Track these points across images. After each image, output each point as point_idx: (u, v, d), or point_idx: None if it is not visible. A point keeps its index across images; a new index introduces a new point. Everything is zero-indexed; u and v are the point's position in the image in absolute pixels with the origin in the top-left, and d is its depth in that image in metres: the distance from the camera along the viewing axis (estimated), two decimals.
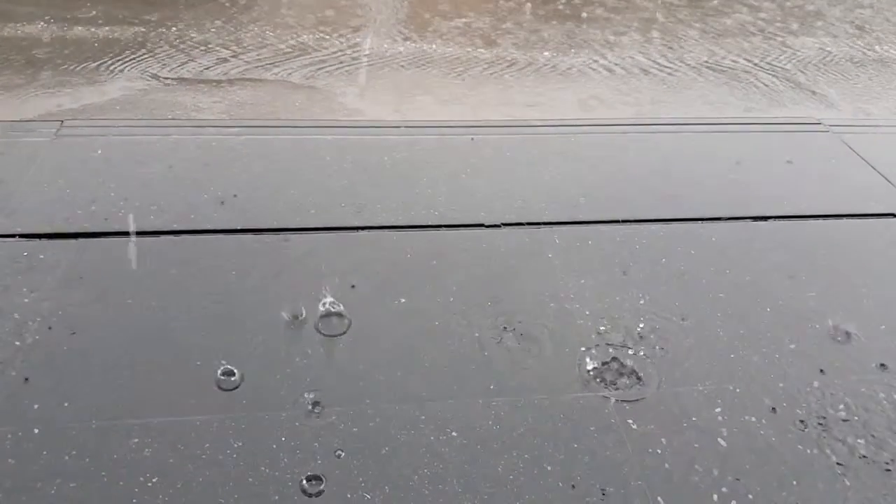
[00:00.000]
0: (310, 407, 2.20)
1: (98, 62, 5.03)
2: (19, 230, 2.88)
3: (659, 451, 2.14)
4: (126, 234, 2.90)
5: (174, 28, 5.68)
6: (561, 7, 6.69)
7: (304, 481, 1.98)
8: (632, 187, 3.45)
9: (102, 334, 2.40)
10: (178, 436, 2.08)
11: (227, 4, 6.27)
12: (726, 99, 5.13)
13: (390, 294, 2.68)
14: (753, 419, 2.26)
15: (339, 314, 2.54)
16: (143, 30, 5.61)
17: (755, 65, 5.71)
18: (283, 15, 6.14)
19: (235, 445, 2.07)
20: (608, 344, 2.52)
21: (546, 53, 5.66)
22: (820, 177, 3.66)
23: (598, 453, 2.12)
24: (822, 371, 2.46)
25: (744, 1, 7.11)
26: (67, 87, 4.68)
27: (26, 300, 2.53)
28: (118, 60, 5.08)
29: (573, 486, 2.02)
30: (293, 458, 2.04)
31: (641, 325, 2.60)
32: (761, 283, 2.86)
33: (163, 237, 2.90)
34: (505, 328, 2.56)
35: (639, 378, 2.39)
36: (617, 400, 2.30)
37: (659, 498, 2.01)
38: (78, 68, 4.93)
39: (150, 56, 5.18)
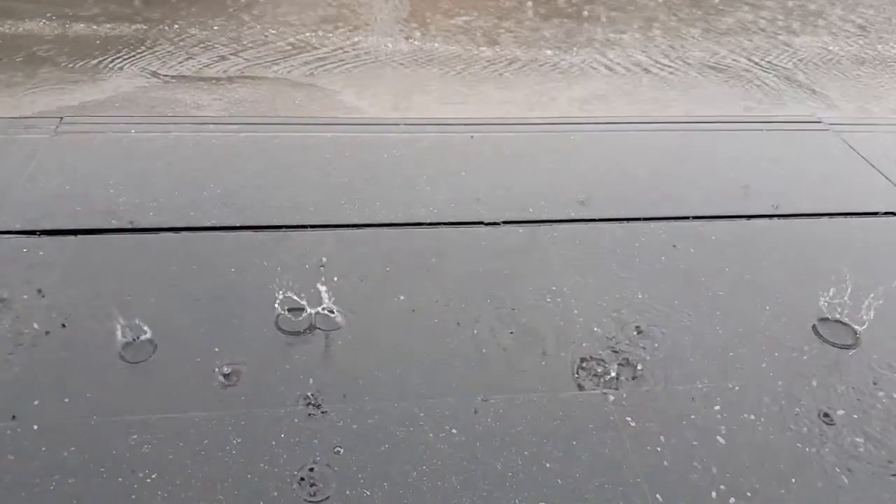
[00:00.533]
0: (309, 404, 2.20)
1: (98, 59, 5.03)
2: (18, 226, 2.88)
3: (658, 449, 2.14)
4: (125, 230, 2.90)
5: (175, 25, 5.67)
6: (562, 5, 6.68)
7: (303, 478, 1.98)
8: (631, 185, 3.45)
9: (101, 331, 2.40)
10: (177, 432, 2.08)
11: (227, 2, 6.26)
12: (726, 97, 5.13)
13: (389, 291, 2.67)
14: (752, 417, 2.26)
15: (338, 311, 2.54)
16: (144, 27, 5.61)
17: (755, 63, 5.71)
18: (283, 13, 6.13)
19: (234, 442, 2.07)
20: (607, 341, 2.52)
21: (548, 52, 5.66)
22: (819, 175, 3.66)
23: (596, 451, 2.12)
24: (821, 369, 2.46)
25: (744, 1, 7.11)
26: (67, 83, 4.68)
27: (25, 296, 2.53)
28: (118, 58, 5.08)
29: (572, 484, 2.02)
30: (292, 455, 2.04)
31: (641, 323, 2.60)
32: (760, 282, 2.86)
33: (162, 234, 2.90)
34: (504, 326, 2.55)
35: (638, 376, 2.39)
36: (616, 398, 2.30)
37: (658, 495, 2.01)
38: (78, 65, 4.93)
39: (151, 53, 5.18)
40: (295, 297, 2.55)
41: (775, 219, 3.28)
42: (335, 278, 2.68)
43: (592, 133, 3.93)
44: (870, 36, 6.45)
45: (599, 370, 2.40)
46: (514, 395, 2.28)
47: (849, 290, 2.75)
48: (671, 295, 2.75)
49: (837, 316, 2.67)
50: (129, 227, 2.91)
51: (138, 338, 2.37)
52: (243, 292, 2.62)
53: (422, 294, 2.68)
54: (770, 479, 2.07)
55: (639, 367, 2.42)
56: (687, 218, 3.23)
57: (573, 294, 2.72)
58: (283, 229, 2.96)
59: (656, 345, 2.52)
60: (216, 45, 5.40)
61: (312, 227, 2.99)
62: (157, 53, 5.19)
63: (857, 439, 2.21)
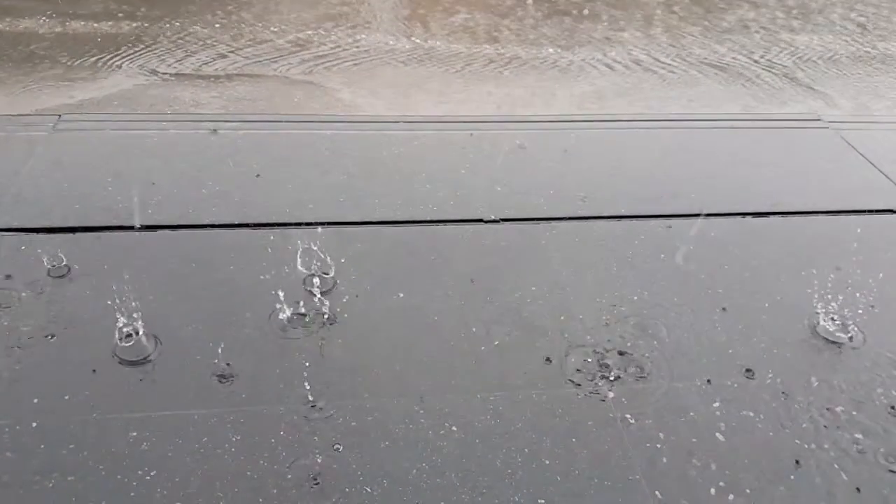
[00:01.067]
0: (308, 401, 2.20)
1: (97, 57, 5.02)
2: (16, 224, 2.88)
3: (657, 446, 2.14)
4: (124, 228, 2.90)
5: (174, 23, 5.66)
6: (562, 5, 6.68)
7: (303, 475, 1.98)
8: (631, 183, 3.45)
9: (100, 328, 2.40)
10: (177, 430, 2.08)
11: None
12: (726, 95, 5.12)
13: (389, 289, 2.67)
14: (751, 414, 2.26)
15: (337, 309, 2.54)
16: (143, 25, 5.60)
17: (755, 61, 5.70)
18: (282, 11, 6.13)
19: (234, 439, 2.07)
20: (607, 339, 2.51)
21: (549, 50, 5.66)
22: (819, 173, 3.66)
23: (595, 448, 2.12)
24: (821, 367, 2.46)
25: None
26: (66, 81, 4.67)
27: (24, 294, 2.53)
28: (117, 55, 5.07)
29: (571, 481, 2.02)
30: (292, 452, 2.04)
31: (640, 321, 2.60)
32: (760, 279, 2.86)
33: (161, 231, 2.90)
34: (503, 323, 2.55)
35: (637, 372, 2.38)
36: (615, 395, 2.30)
37: (657, 492, 2.01)
38: (77, 63, 4.92)
39: (149, 51, 5.17)
40: (294, 295, 2.55)
41: (775, 216, 3.27)
42: (334, 276, 2.68)
43: (592, 130, 3.93)
44: (869, 35, 6.45)
45: (599, 367, 2.40)
46: (514, 392, 2.28)
47: (848, 287, 2.75)
48: (670, 292, 2.75)
49: (836, 313, 2.67)
50: (128, 224, 2.91)
51: (137, 335, 2.37)
52: (242, 290, 2.62)
53: (421, 291, 2.67)
54: (769, 476, 2.07)
55: (638, 364, 2.42)
56: (686, 215, 3.22)
57: (572, 291, 2.72)
58: (283, 227, 2.96)
59: (655, 342, 2.52)
60: (215, 43, 5.39)
61: (311, 224, 2.99)
62: (155, 51, 5.18)
63: (857, 436, 2.21)
